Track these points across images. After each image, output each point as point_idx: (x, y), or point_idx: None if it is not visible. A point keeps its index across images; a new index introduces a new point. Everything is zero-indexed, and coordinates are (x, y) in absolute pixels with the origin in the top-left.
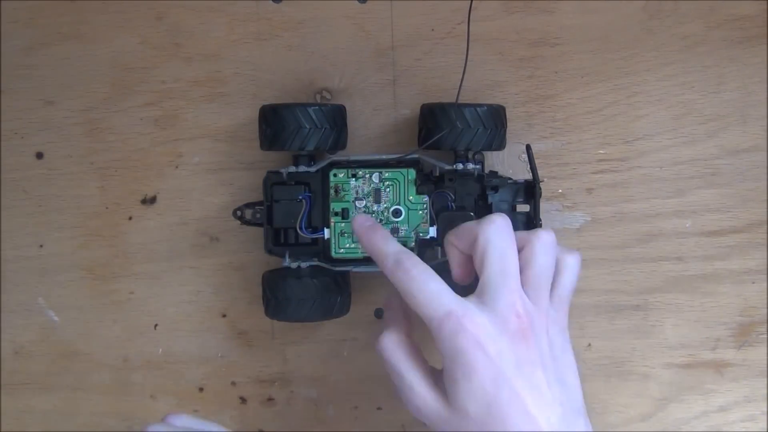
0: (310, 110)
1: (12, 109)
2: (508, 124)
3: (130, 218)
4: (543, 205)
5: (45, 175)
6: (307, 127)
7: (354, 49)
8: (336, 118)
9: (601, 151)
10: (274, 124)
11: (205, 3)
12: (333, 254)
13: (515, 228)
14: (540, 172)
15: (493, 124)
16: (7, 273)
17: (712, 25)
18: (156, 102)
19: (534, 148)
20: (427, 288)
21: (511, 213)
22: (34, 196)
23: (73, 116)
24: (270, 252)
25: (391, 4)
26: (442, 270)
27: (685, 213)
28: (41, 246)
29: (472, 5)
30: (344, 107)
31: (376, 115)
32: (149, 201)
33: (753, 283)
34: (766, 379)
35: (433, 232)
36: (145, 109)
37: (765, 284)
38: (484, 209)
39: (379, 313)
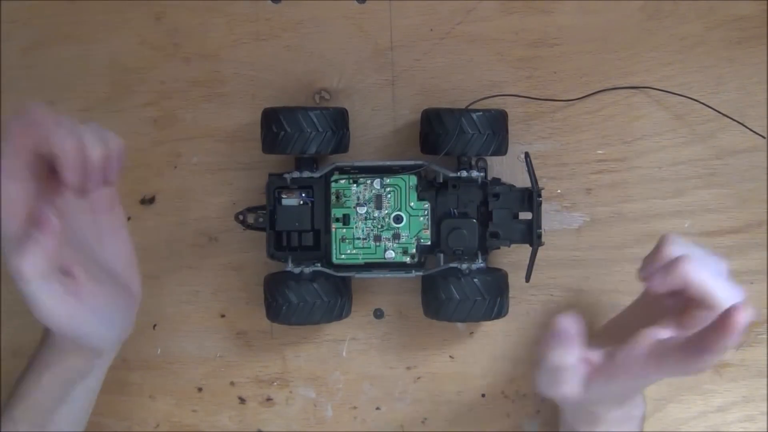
0: (312, 114)
1: (12, 109)
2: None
3: (129, 218)
4: (542, 206)
5: None
6: (309, 130)
7: (353, 49)
8: (338, 122)
9: (600, 152)
10: (276, 127)
11: (204, 3)
12: (334, 260)
13: (513, 236)
14: (539, 173)
15: (495, 130)
16: (7, 273)
17: (711, 26)
18: (155, 102)
19: (533, 149)
20: None
21: (512, 220)
22: None
23: (73, 116)
24: (272, 257)
25: (389, 5)
26: (445, 276)
27: (684, 213)
28: None
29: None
30: (346, 110)
31: (374, 116)
32: (148, 201)
33: (752, 283)
34: (764, 380)
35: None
36: (144, 109)
37: (764, 284)
38: (485, 216)
39: (378, 314)
